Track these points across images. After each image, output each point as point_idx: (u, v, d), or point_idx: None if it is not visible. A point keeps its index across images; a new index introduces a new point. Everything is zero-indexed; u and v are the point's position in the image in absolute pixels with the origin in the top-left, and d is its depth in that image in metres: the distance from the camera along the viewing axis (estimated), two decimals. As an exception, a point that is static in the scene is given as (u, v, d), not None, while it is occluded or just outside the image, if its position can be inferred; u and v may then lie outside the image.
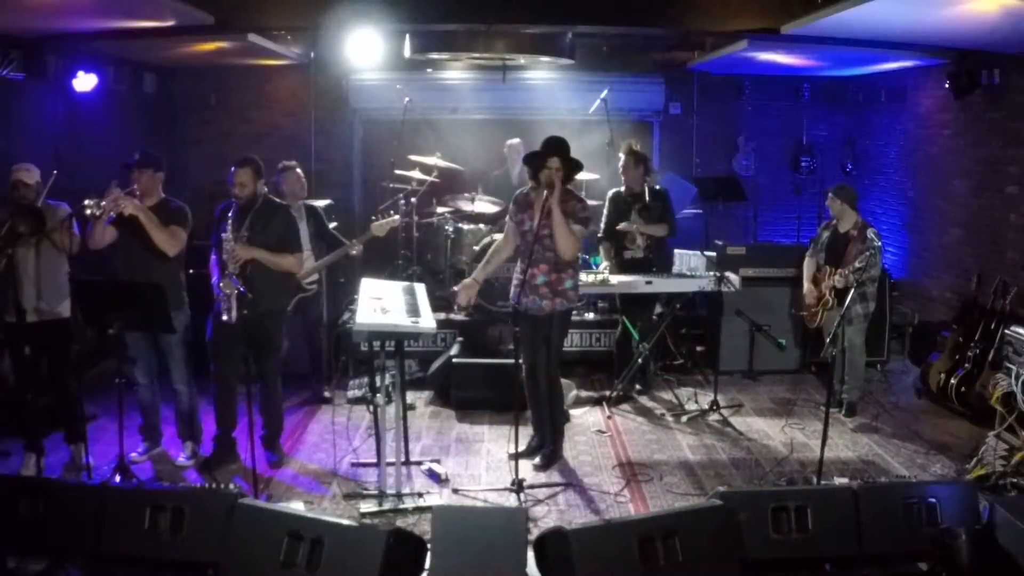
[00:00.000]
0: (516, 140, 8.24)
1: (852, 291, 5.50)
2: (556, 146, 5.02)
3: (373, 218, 6.06)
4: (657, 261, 6.66)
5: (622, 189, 6.67)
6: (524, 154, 5.47)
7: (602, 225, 6.81)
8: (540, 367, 5.20)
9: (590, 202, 7.61)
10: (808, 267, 6.48)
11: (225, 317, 4.94)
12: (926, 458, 5.51)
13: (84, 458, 4.78)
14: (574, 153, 5.09)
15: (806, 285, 6.44)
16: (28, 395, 5.06)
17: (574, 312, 5.39)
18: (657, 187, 6.70)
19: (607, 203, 6.78)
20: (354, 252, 6.17)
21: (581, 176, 7.55)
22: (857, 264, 5.58)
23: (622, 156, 6.60)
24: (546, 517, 4.65)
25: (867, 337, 6.30)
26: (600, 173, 7.99)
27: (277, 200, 5.29)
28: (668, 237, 6.69)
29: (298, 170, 6.27)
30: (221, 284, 4.95)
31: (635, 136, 7.11)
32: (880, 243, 6.05)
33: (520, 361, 5.10)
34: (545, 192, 4.89)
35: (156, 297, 4.51)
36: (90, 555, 3.72)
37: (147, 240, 4.90)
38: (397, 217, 6.22)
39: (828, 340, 5.42)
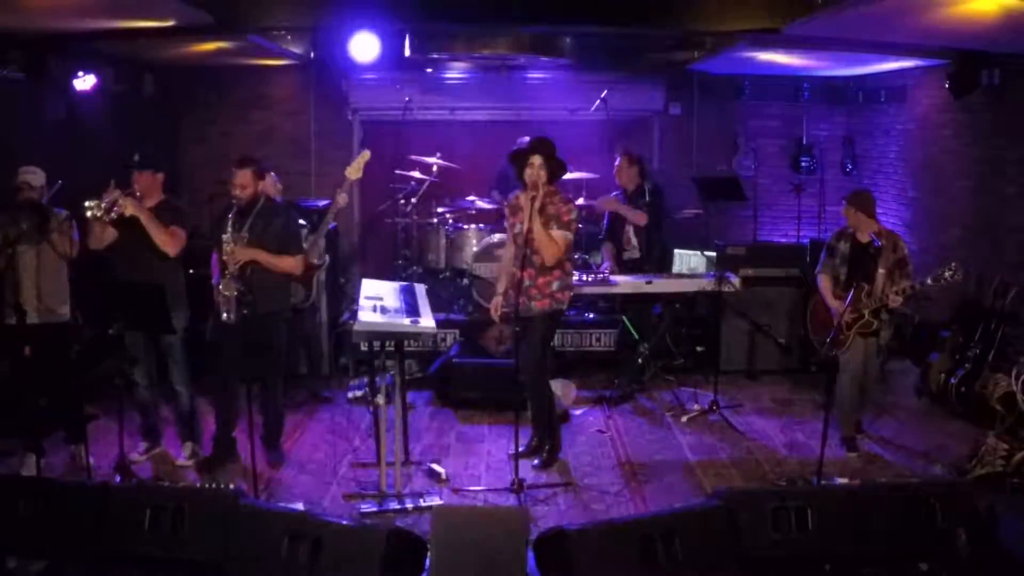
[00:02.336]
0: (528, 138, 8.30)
1: (886, 315, 5.29)
2: (539, 145, 5.05)
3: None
4: (650, 260, 6.71)
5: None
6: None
7: (604, 226, 6.84)
8: (528, 367, 5.20)
9: (591, 202, 7.76)
10: (826, 285, 5.66)
11: (225, 317, 4.95)
12: (926, 458, 5.51)
13: (84, 458, 4.78)
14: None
15: (836, 304, 5.48)
16: (28, 395, 5.06)
17: (564, 313, 5.39)
18: (649, 185, 6.74)
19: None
20: (342, 203, 5.68)
21: (581, 175, 7.65)
22: (930, 280, 5.19)
23: (618, 158, 6.69)
24: (546, 517, 4.64)
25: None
26: (599, 172, 7.99)
27: (279, 201, 5.28)
28: (647, 226, 6.67)
29: (272, 174, 6.01)
30: (220, 286, 4.96)
31: (634, 136, 7.14)
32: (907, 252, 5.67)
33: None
34: (532, 193, 4.93)
35: (156, 297, 4.51)
36: (90, 555, 3.71)
37: (148, 240, 4.89)
38: (367, 152, 5.71)
39: (828, 340, 5.41)
